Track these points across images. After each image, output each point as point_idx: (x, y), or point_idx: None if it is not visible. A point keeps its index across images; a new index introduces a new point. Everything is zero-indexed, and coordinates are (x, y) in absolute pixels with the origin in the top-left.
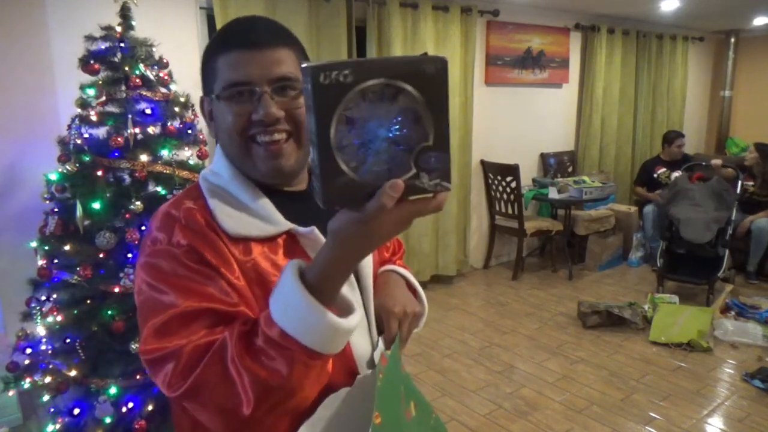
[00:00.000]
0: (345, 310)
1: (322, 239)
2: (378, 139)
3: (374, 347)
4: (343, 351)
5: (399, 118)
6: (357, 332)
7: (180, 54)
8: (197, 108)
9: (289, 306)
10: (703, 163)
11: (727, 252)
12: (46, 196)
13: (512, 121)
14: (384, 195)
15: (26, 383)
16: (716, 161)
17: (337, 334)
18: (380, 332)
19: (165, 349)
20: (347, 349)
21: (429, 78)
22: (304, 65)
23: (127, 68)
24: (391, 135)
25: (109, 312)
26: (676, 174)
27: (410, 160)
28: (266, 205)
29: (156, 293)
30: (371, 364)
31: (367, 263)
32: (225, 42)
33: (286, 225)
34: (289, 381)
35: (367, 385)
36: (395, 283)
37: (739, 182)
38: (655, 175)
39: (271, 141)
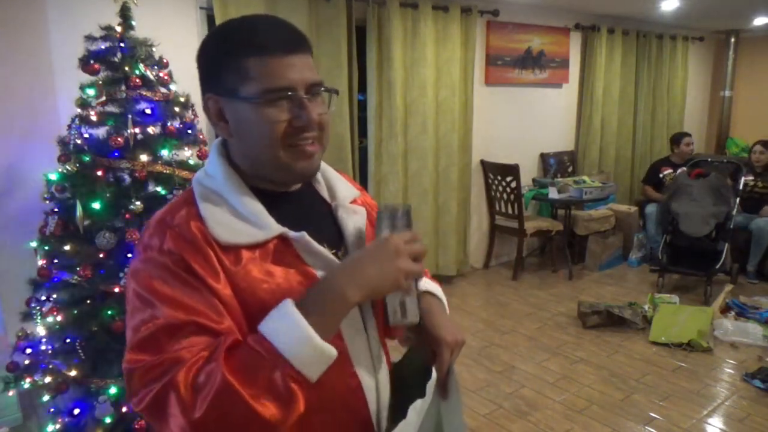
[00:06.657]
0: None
1: (314, 243)
2: None
3: (376, 380)
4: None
5: None
6: (362, 366)
7: (180, 54)
8: (197, 108)
9: (275, 318)
10: (709, 159)
11: (726, 246)
12: (46, 196)
13: (512, 121)
14: None
15: (26, 383)
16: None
17: (314, 351)
18: (427, 359)
19: (143, 361)
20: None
21: None
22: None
23: (127, 68)
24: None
25: (109, 312)
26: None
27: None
28: (258, 208)
29: (142, 303)
30: (379, 398)
31: None
32: (254, 43)
33: (278, 229)
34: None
35: (432, 415)
36: (439, 309)
37: (742, 178)
38: (661, 176)
39: (306, 144)
